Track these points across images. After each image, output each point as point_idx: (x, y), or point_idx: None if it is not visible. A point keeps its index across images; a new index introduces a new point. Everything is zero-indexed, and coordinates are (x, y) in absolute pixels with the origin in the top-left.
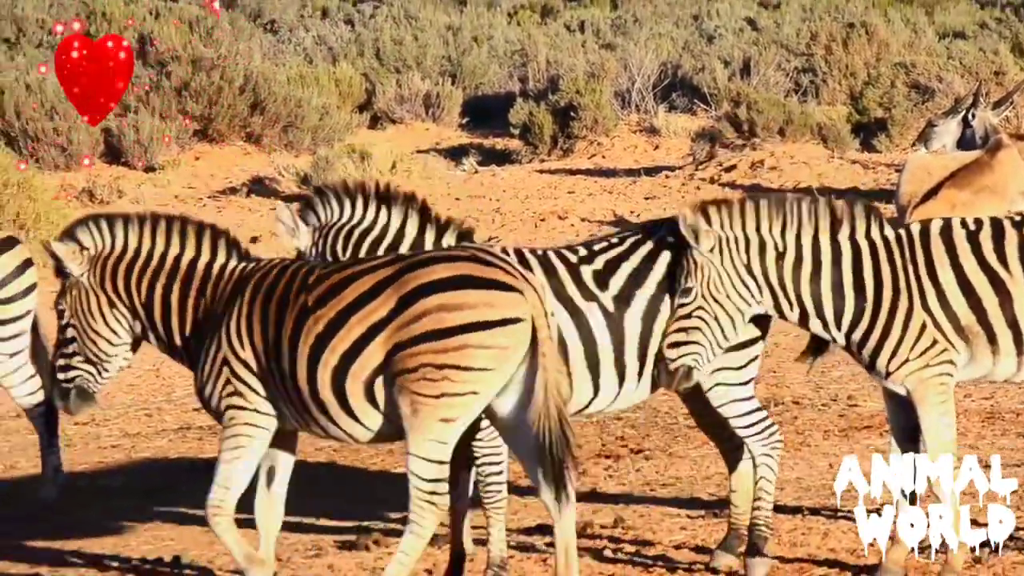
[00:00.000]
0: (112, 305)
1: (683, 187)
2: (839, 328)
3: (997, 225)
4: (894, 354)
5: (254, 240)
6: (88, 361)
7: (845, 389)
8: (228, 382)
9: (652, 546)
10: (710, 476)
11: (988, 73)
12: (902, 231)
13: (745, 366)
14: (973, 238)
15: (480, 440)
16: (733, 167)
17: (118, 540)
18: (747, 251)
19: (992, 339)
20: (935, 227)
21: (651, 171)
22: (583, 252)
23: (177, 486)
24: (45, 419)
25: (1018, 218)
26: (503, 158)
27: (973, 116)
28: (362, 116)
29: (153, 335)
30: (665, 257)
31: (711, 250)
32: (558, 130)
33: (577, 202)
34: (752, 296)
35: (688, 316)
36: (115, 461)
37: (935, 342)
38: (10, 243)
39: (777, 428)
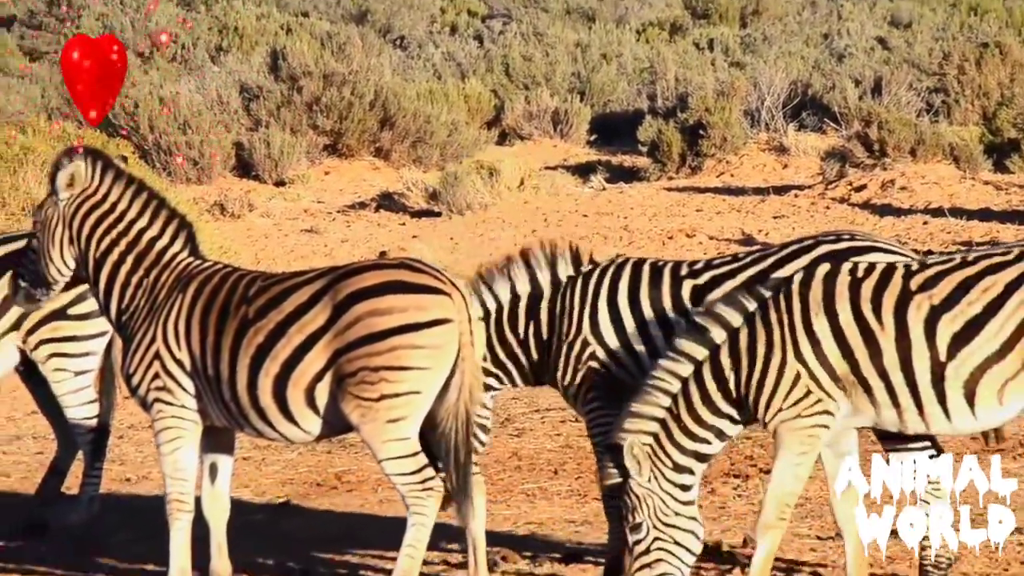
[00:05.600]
0: (72, 242)
1: (812, 206)
2: None
3: (886, 273)
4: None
5: (382, 255)
6: (38, 273)
7: None
8: (158, 376)
9: (779, 566)
10: None
11: None
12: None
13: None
14: (855, 286)
15: None
16: (863, 187)
17: (241, 556)
18: None
19: (868, 390)
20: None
21: (780, 190)
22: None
23: (307, 498)
24: (93, 443)
25: (915, 265)
26: (631, 175)
27: None
28: (490, 132)
29: (92, 288)
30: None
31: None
32: (686, 148)
33: (705, 220)
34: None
35: (647, 551)
36: (246, 474)
37: (809, 392)
38: None
39: None
